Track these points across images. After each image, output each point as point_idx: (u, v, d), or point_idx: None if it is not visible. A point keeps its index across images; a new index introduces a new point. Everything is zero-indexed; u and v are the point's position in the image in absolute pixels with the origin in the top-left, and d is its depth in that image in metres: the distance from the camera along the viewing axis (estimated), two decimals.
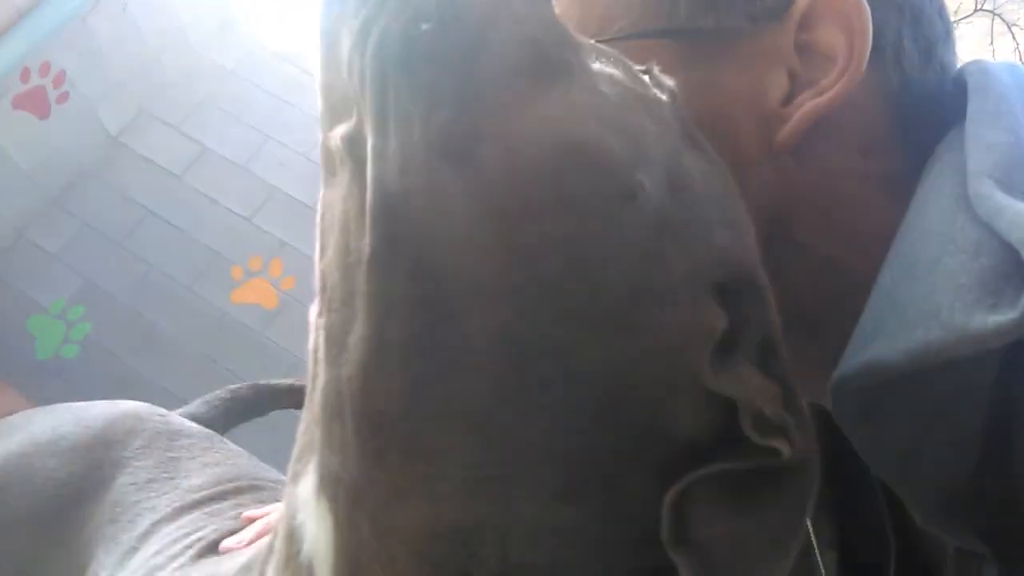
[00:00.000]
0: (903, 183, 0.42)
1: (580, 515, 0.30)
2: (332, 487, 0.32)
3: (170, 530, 0.57)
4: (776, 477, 0.30)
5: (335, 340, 0.31)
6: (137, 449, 0.64)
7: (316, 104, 0.36)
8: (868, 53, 0.43)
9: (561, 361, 0.29)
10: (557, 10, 0.48)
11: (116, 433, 0.65)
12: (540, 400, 0.29)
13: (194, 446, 0.66)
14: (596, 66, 0.35)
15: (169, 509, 0.59)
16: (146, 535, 0.56)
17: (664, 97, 0.36)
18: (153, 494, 0.60)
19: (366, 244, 0.30)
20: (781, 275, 0.46)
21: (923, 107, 0.45)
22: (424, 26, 0.31)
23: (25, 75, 2.00)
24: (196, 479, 0.63)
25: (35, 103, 2.06)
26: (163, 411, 0.71)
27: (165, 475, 0.62)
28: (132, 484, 0.61)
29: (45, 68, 2.04)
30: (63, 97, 2.12)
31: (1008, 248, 0.32)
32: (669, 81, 0.38)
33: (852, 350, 0.37)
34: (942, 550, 0.40)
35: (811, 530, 0.51)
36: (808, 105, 0.43)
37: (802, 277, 0.45)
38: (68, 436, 0.64)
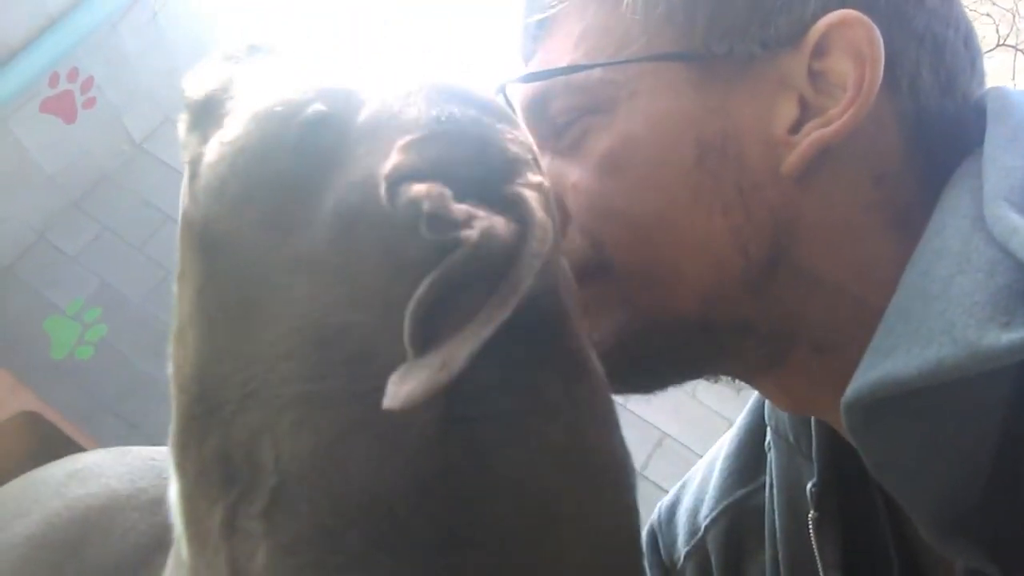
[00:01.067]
0: (917, 211, 0.42)
1: (334, 389, 0.34)
2: (171, 448, 0.39)
3: None
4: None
5: None
6: None
7: None
8: (878, 84, 0.43)
9: (270, 271, 0.36)
10: (578, 28, 0.49)
11: None
12: (265, 311, 0.36)
13: None
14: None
15: None
16: None
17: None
18: None
19: None
20: (783, 295, 0.46)
21: (941, 136, 0.45)
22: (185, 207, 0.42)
23: (54, 80, 2.03)
24: None
25: (62, 107, 2.09)
26: None
27: None
28: None
29: (73, 74, 2.07)
30: (90, 102, 2.15)
31: (1022, 268, 0.32)
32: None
33: (866, 365, 0.37)
34: (947, 571, 0.40)
35: (816, 552, 0.51)
36: (814, 135, 0.43)
37: (802, 299, 0.46)
38: (148, 490, 0.64)
